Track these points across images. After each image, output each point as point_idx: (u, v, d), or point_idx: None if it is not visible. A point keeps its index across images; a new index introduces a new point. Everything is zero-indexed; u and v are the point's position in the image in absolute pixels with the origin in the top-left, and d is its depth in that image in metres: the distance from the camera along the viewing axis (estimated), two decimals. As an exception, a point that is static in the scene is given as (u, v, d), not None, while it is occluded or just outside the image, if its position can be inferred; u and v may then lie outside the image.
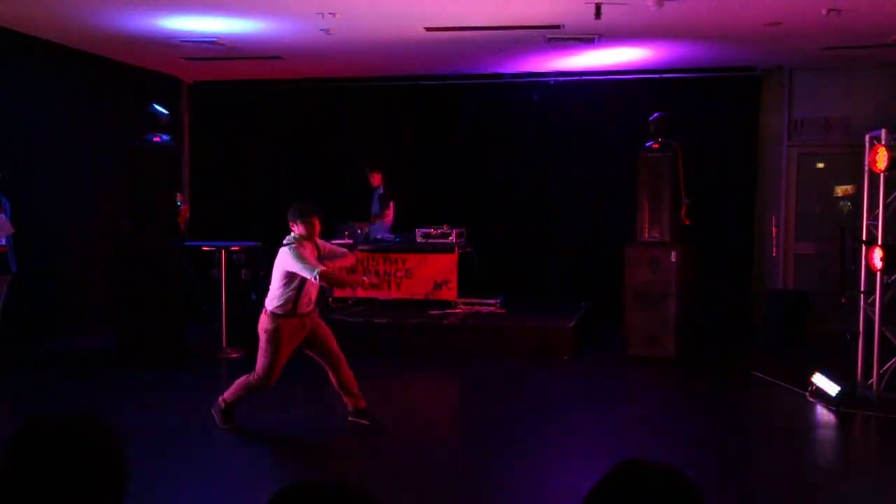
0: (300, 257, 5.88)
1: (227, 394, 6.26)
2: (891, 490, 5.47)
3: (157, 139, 8.58)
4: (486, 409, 7.34)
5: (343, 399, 6.37)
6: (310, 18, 8.08)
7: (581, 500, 1.63)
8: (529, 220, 11.30)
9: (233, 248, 10.39)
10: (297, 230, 6.03)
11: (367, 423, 6.32)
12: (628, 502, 1.59)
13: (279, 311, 6.02)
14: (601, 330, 10.02)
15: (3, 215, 8.04)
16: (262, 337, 6.10)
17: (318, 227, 6.09)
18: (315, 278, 5.81)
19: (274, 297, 6.05)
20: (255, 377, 6.13)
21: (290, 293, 5.99)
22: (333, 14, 7.86)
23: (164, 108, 8.78)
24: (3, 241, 8.09)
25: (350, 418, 6.38)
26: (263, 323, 6.09)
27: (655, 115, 9.28)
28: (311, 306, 6.18)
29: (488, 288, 10.53)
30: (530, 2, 7.54)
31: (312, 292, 6.12)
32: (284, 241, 6.05)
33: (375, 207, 11.27)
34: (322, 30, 8.44)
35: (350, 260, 6.51)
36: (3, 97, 8.80)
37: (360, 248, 10.48)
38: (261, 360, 6.11)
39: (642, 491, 1.59)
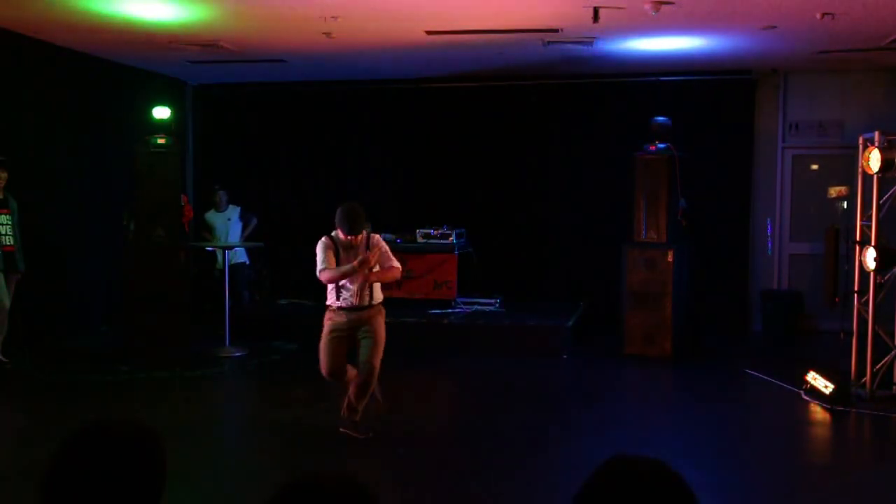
0: (319, 253, 6.10)
1: None
2: (884, 487, 5.58)
3: (162, 141, 8.69)
4: (484, 408, 7.43)
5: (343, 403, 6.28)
6: (313, 22, 8.18)
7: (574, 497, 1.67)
8: (528, 220, 11.38)
9: (236, 249, 10.51)
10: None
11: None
12: (617, 497, 1.62)
13: (327, 303, 6.20)
14: (599, 329, 10.11)
15: None
16: None
17: (346, 237, 6.11)
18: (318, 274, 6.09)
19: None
20: None
21: (331, 287, 6.14)
22: (336, 18, 7.97)
23: (166, 113, 8.87)
24: (10, 241, 8.21)
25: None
26: None
27: (658, 119, 9.40)
28: (353, 303, 6.07)
29: (487, 288, 10.63)
30: (529, 6, 7.64)
31: (352, 287, 6.05)
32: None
33: (236, 228, 10.85)
34: (325, 33, 8.55)
35: (393, 273, 6.26)
36: (10, 99, 8.91)
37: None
38: None
39: (631, 485, 1.63)
